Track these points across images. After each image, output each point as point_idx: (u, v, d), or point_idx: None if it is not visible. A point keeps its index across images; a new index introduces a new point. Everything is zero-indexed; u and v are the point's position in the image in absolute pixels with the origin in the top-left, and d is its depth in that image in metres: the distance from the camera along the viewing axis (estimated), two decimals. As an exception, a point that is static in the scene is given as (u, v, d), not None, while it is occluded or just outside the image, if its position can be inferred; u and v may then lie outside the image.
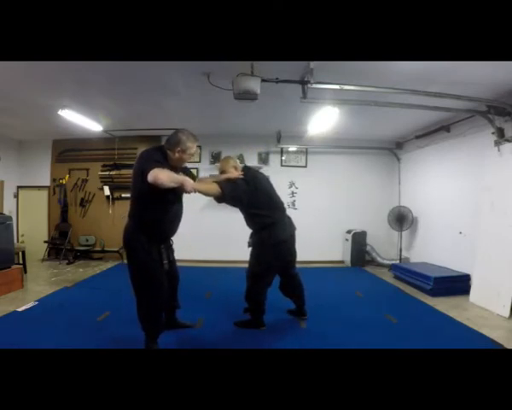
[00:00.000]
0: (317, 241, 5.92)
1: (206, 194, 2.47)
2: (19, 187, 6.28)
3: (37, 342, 2.50)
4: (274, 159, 6.11)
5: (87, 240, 6.06)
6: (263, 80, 2.81)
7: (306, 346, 2.49)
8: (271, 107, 4.14)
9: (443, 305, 3.58)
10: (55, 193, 6.19)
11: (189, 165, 2.52)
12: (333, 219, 6.10)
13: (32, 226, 6.19)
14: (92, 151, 6.10)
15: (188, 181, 2.09)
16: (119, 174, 6.02)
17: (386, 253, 5.93)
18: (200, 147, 5.88)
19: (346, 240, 5.94)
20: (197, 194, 2.27)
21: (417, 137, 5.25)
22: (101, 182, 6.09)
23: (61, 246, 5.79)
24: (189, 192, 2.11)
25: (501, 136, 3.55)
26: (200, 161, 5.99)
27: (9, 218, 4.27)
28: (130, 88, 3.62)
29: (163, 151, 2.22)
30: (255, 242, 2.75)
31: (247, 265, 2.84)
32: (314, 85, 2.86)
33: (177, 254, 2.57)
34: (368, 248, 5.91)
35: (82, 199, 6.16)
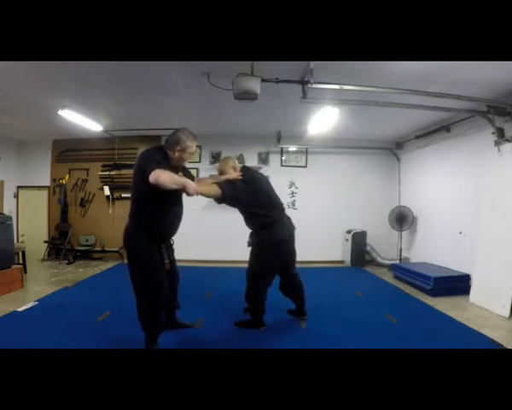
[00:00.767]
0: (317, 241, 5.92)
1: (207, 196, 2.48)
2: (19, 187, 6.28)
3: (37, 342, 2.50)
4: (274, 159, 6.11)
5: (87, 240, 6.06)
6: (263, 80, 2.81)
7: (306, 346, 2.49)
8: (271, 107, 4.14)
9: (443, 305, 3.58)
10: (55, 193, 6.19)
11: (188, 165, 2.52)
12: (333, 219, 6.10)
13: (32, 226, 6.20)
14: (92, 151, 6.10)
15: (190, 183, 2.09)
16: (119, 174, 6.02)
17: (386, 253, 5.93)
18: (200, 147, 5.88)
19: (346, 240, 5.94)
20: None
21: (417, 137, 5.25)
22: (101, 182, 6.09)
23: (61, 246, 5.79)
24: (191, 195, 2.12)
25: (501, 136, 3.55)
26: (200, 161, 5.99)
27: (9, 218, 4.27)
28: (130, 88, 3.62)
29: (163, 151, 2.22)
30: (255, 241, 2.75)
31: (246, 265, 2.84)
32: (314, 85, 2.86)
33: (177, 254, 2.57)
34: (368, 248, 5.91)
35: (82, 199, 6.16)
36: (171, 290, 2.53)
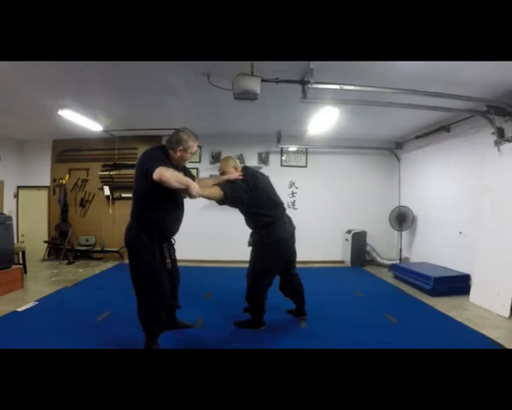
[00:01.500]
0: (317, 241, 5.92)
1: (209, 198, 2.48)
2: (19, 187, 6.28)
3: (37, 342, 2.50)
4: (274, 159, 6.11)
5: (87, 240, 6.06)
6: (263, 80, 2.81)
7: (306, 346, 2.48)
8: (271, 107, 4.14)
9: (443, 305, 3.58)
10: (55, 193, 6.19)
11: (188, 165, 2.53)
12: (333, 219, 6.10)
13: (32, 226, 6.20)
14: (92, 151, 6.10)
15: (192, 185, 2.10)
16: (119, 174, 6.02)
17: (386, 253, 5.93)
18: (200, 147, 5.88)
19: (346, 240, 5.94)
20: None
21: (417, 137, 5.25)
22: (101, 182, 6.09)
23: (61, 246, 5.79)
24: (193, 197, 2.12)
25: (501, 136, 3.55)
26: (200, 161, 5.99)
27: (9, 218, 4.27)
28: (130, 88, 3.62)
29: (164, 150, 2.23)
30: (255, 241, 2.76)
31: (246, 264, 2.84)
32: (314, 85, 2.86)
33: (177, 254, 2.57)
34: (368, 248, 5.91)
35: (82, 199, 6.16)
36: (172, 290, 2.54)
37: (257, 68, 2.77)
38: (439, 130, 4.69)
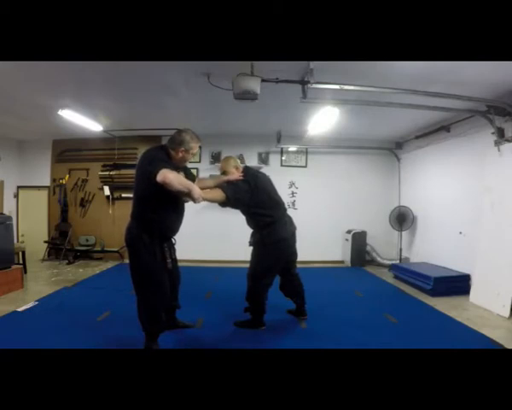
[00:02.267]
0: (317, 241, 5.92)
1: (212, 201, 2.46)
2: (19, 187, 6.28)
3: (37, 342, 2.50)
4: (274, 159, 6.11)
5: (87, 240, 6.06)
6: (263, 80, 2.81)
7: (306, 346, 2.48)
8: (271, 107, 4.14)
9: (443, 305, 3.58)
10: (55, 193, 6.19)
11: (188, 165, 2.53)
12: (333, 219, 6.10)
13: (32, 226, 6.20)
14: (92, 151, 6.10)
15: (195, 189, 2.10)
16: (119, 174, 6.02)
17: (386, 253, 5.93)
18: (200, 147, 5.85)
19: (346, 240, 5.94)
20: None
21: (417, 137, 5.25)
22: (101, 182, 6.09)
23: (61, 246, 5.79)
24: (196, 201, 2.11)
25: (501, 136, 3.55)
26: (200, 161, 5.99)
27: (9, 218, 4.27)
28: (130, 88, 3.62)
29: (165, 150, 2.23)
30: (256, 241, 2.76)
31: (247, 264, 2.84)
32: (314, 85, 2.86)
33: (178, 254, 2.57)
34: (368, 248, 5.91)
35: (82, 199, 6.16)
36: (172, 290, 2.54)
37: (257, 68, 2.77)
38: (439, 130, 4.69)
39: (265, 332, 2.79)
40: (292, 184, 6.10)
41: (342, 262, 6.09)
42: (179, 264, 2.64)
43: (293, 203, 6.04)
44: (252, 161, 5.86)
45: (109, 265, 5.62)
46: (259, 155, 6.07)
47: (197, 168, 5.98)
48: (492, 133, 3.64)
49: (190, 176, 2.42)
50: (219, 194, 2.43)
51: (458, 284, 4.03)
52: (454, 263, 4.37)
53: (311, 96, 3.08)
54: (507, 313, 3.20)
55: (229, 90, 2.99)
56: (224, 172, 2.70)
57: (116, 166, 6.02)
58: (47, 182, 6.23)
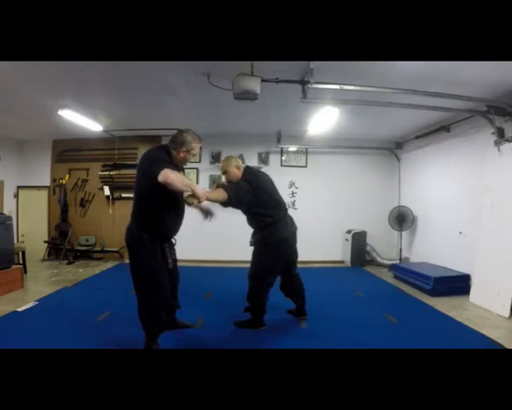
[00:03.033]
0: (317, 241, 5.91)
1: (215, 201, 2.44)
2: (19, 187, 6.28)
3: (37, 342, 2.50)
4: (274, 159, 6.11)
5: (87, 240, 6.06)
6: (263, 80, 2.81)
7: (306, 346, 2.48)
8: (271, 107, 4.14)
9: (443, 305, 3.58)
10: (55, 193, 6.19)
11: (189, 165, 2.53)
12: (333, 219, 6.10)
13: (32, 226, 6.20)
14: (92, 151, 6.10)
15: (198, 188, 2.11)
16: (119, 174, 6.03)
17: (386, 253, 5.93)
18: (200, 147, 5.87)
19: (346, 240, 5.94)
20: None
21: (417, 137, 5.25)
22: (101, 182, 6.09)
23: (61, 246, 5.79)
24: (201, 200, 2.11)
25: (501, 136, 3.55)
26: (200, 161, 5.99)
27: (9, 218, 4.27)
28: (130, 88, 3.62)
29: (166, 150, 2.24)
30: (257, 241, 2.76)
31: (247, 264, 2.84)
32: (314, 85, 2.86)
33: (177, 254, 2.57)
34: (368, 248, 5.92)
35: (82, 199, 6.16)
36: (172, 290, 2.54)
37: (257, 68, 2.77)
38: (439, 130, 4.69)
39: (265, 332, 2.79)
40: (292, 184, 6.10)
41: (342, 262, 6.09)
42: (179, 264, 2.64)
43: (293, 203, 6.04)
44: (252, 161, 5.86)
45: (109, 265, 5.62)
46: (259, 155, 6.07)
47: (197, 168, 5.99)
48: (492, 133, 3.64)
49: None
50: (222, 194, 2.43)
51: (458, 284, 4.03)
52: (454, 263, 4.37)
53: (311, 96, 3.08)
54: (507, 313, 3.20)
55: (229, 90, 2.99)
56: (224, 172, 2.70)
57: (116, 166, 6.02)
58: (47, 182, 6.23)
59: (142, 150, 6.03)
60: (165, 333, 2.39)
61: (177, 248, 2.52)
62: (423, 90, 3.09)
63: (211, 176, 5.98)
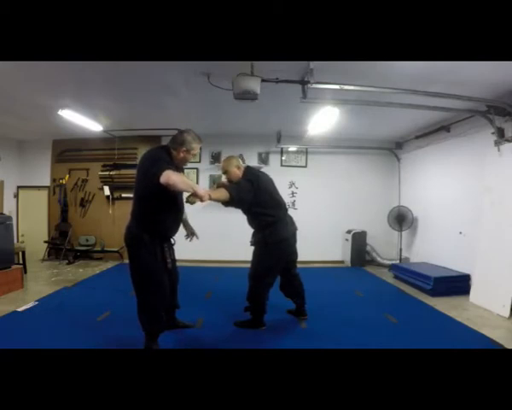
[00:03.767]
0: (317, 241, 5.91)
1: (217, 200, 2.45)
2: (19, 187, 6.28)
3: (37, 342, 2.50)
4: (274, 159, 6.11)
5: (87, 240, 6.06)
6: (263, 80, 2.81)
7: (306, 346, 2.48)
8: (271, 107, 4.14)
9: (443, 305, 3.58)
10: (55, 193, 6.19)
11: (189, 165, 2.54)
12: (333, 219, 6.09)
13: (32, 226, 6.19)
14: (92, 151, 6.10)
15: (200, 188, 2.11)
16: (119, 174, 6.02)
17: (386, 253, 5.93)
18: (200, 147, 5.87)
19: (346, 240, 5.94)
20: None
21: (417, 137, 5.25)
22: (101, 182, 6.09)
23: (61, 246, 5.79)
24: (204, 199, 2.11)
25: (501, 136, 3.55)
26: (199, 161, 5.98)
27: (9, 218, 4.27)
28: (130, 88, 3.62)
29: (167, 150, 2.24)
30: (257, 241, 2.76)
31: (247, 264, 2.84)
32: (314, 85, 2.86)
33: (177, 254, 2.56)
34: (368, 248, 5.92)
35: (82, 199, 6.16)
36: (172, 290, 2.54)
37: (257, 68, 2.77)
38: (439, 130, 4.69)
39: (265, 332, 2.79)
40: (292, 184, 6.10)
41: (342, 262, 6.09)
42: (179, 264, 2.64)
43: (293, 203, 6.04)
44: (252, 161, 5.85)
45: (109, 265, 5.62)
46: (259, 155, 6.07)
47: (197, 168, 5.99)
48: (492, 133, 3.64)
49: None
50: (224, 193, 2.44)
51: (458, 284, 4.03)
52: (454, 263, 4.37)
53: (311, 96, 3.08)
54: (507, 313, 3.20)
55: (229, 90, 2.99)
56: (225, 172, 2.71)
57: (116, 166, 6.02)
58: (47, 182, 6.23)
59: (142, 150, 6.03)
60: (165, 333, 2.39)
61: (176, 248, 2.51)
62: (423, 90, 3.09)
63: (211, 176, 5.98)
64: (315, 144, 5.89)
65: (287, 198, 5.86)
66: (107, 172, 6.05)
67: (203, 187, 2.63)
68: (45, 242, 6.00)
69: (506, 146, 3.51)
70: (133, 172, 5.95)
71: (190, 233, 2.68)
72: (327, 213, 6.10)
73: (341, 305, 3.64)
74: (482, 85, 3.20)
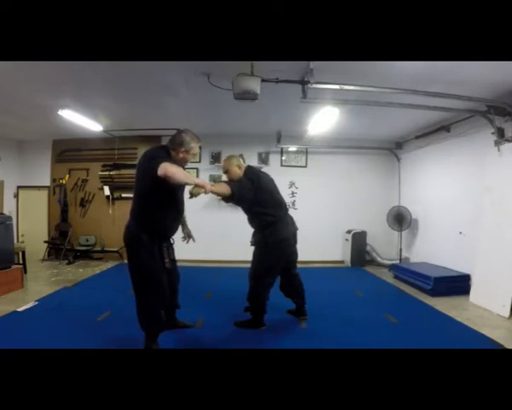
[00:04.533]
0: (317, 241, 5.91)
1: (219, 194, 2.50)
2: (19, 187, 6.28)
3: (37, 342, 2.50)
4: (274, 159, 6.10)
5: (87, 240, 6.06)
6: (263, 80, 2.81)
7: (306, 346, 2.48)
8: (271, 107, 4.14)
9: (443, 305, 3.58)
10: (55, 193, 6.19)
11: (189, 165, 2.54)
12: (333, 219, 6.10)
13: (32, 226, 6.19)
14: (92, 151, 6.10)
15: (201, 180, 2.14)
16: (119, 174, 6.02)
17: (386, 253, 5.93)
18: (200, 147, 5.86)
19: (346, 240, 5.94)
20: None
21: (417, 137, 5.25)
22: (101, 182, 6.09)
23: (61, 246, 5.79)
24: (206, 191, 2.14)
25: (501, 136, 3.55)
26: (199, 161, 5.98)
27: (9, 218, 4.27)
28: (130, 88, 3.62)
29: (166, 150, 2.24)
30: (258, 241, 2.76)
31: (247, 264, 2.84)
32: (314, 85, 2.86)
33: (177, 254, 2.57)
34: (368, 248, 5.92)
35: (82, 199, 6.16)
36: (172, 290, 2.54)
37: (257, 68, 2.77)
38: (439, 130, 4.69)
39: (265, 332, 2.79)
40: (292, 184, 6.10)
41: (342, 262, 6.09)
42: (179, 264, 2.64)
43: (293, 203, 6.04)
44: (252, 161, 5.84)
45: (109, 265, 5.62)
46: (259, 155, 6.07)
47: (197, 168, 5.98)
48: (492, 133, 3.64)
49: None
50: (226, 188, 2.48)
51: (458, 284, 4.03)
52: (454, 263, 4.37)
53: (311, 96, 3.08)
54: (507, 313, 3.20)
55: (229, 90, 2.99)
56: (226, 172, 2.72)
57: (116, 166, 6.02)
58: (47, 182, 6.23)
59: (142, 150, 5.96)
60: (165, 333, 2.39)
61: (176, 248, 2.52)
62: (423, 90, 3.09)
63: (211, 176, 5.97)
64: (315, 144, 5.89)
65: (287, 198, 5.82)
66: (107, 172, 6.05)
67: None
68: (45, 242, 6.00)
69: (506, 146, 3.51)
70: (133, 172, 5.88)
71: (187, 235, 2.68)
72: (327, 213, 6.10)
73: (341, 305, 3.64)
74: (482, 85, 3.20)
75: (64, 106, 3.99)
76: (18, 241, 5.77)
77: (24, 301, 3.46)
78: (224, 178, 2.84)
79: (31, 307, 3.31)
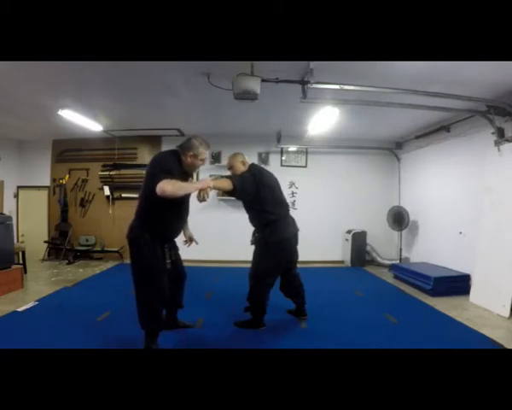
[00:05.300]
0: (317, 241, 5.91)
1: (220, 189, 2.57)
2: (19, 187, 6.28)
3: (37, 342, 2.50)
4: (274, 159, 6.10)
5: (87, 240, 6.06)
6: (263, 80, 2.81)
7: (306, 346, 2.48)
8: (271, 107, 4.14)
9: (443, 305, 3.58)
10: (55, 193, 6.19)
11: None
12: (333, 219, 6.10)
13: (32, 226, 6.20)
14: (92, 151, 6.10)
15: (201, 184, 2.18)
16: (119, 174, 6.02)
17: (386, 253, 5.93)
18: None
19: (346, 240, 5.94)
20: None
21: (417, 137, 5.25)
22: (101, 182, 6.08)
23: (61, 246, 5.79)
24: (209, 190, 2.21)
25: (501, 136, 3.55)
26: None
27: (9, 218, 4.27)
28: (130, 88, 3.62)
29: (177, 155, 2.27)
30: (258, 240, 2.76)
31: (247, 264, 2.84)
32: (314, 85, 2.86)
33: (178, 254, 2.57)
34: (368, 248, 5.92)
35: (82, 199, 6.16)
36: (177, 290, 2.56)
37: (257, 68, 2.77)
38: (439, 130, 4.69)
39: (265, 332, 2.79)
40: (292, 184, 6.10)
41: (342, 262, 6.09)
42: (180, 264, 2.64)
43: (293, 203, 6.03)
44: (252, 161, 5.83)
45: (109, 265, 5.62)
46: (259, 155, 6.07)
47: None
48: (492, 133, 3.64)
49: None
50: (227, 183, 2.51)
51: (458, 284, 4.03)
52: (454, 263, 4.37)
53: (311, 96, 3.08)
54: (507, 313, 3.20)
55: (229, 90, 2.99)
56: (230, 168, 2.76)
57: (116, 166, 6.02)
58: (47, 182, 6.23)
59: (142, 150, 6.05)
60: (165, 333, 2.39)
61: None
62: (423, 90, 3.09)
63: (211, 176, 5.96)
64: (315, 144, 5.89)
65: (287, 198, 5.84)
66: (107, 172, 6.05)
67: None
68: (45, 242, 6.00)
69: (506, 146, 3.51)
70: (133, 172, 6.01)
71: (189, 239, 2.70)
72: (327, 213, 6.10)
73: (341, 305, 3.64)
74: (482, 85, 3.20)
75: (64, 106, 3.99)
76: (18, 241, 5.77)
77: (24, 301, 3.46)
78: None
79: (31, 307, 3.31)
